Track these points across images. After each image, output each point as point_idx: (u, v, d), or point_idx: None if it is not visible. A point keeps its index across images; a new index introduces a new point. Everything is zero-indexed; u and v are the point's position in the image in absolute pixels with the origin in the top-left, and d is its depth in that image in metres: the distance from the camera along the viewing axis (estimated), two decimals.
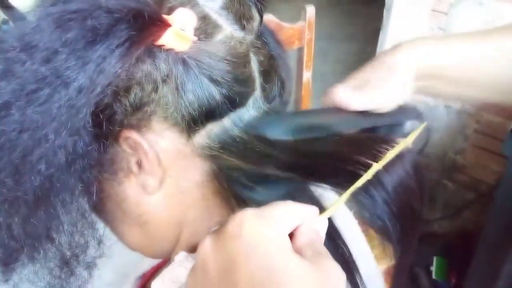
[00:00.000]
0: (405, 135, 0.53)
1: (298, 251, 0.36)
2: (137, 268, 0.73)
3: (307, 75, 1.46)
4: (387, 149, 0.47)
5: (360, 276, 0.52)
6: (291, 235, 0.38)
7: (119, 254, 0.51)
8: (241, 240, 0.34)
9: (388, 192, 0.45)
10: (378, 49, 2.03)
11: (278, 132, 0.48)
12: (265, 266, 0.33)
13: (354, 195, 0.44)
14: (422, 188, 0.49)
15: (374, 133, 0.54)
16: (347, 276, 0.50)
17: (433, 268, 1.87)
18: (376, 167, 0.45)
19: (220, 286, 0.33)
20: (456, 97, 0.66)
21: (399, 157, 0.47)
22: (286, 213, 0.38)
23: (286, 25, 1.35)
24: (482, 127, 1.79)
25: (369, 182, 0.45)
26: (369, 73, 0.56)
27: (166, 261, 0.63)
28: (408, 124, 0.56)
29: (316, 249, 0.37)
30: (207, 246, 0.36)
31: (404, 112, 0.56)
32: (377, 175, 0.45)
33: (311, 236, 0.38)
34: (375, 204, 0.45)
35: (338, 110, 0.52)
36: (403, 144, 0.48)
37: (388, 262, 1.56)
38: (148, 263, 0.71)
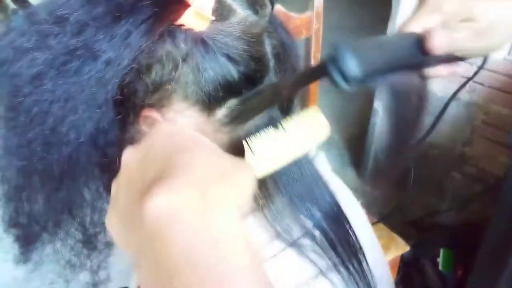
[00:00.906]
0: None
1: None
2: None
3: None
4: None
5: (367, 262, 0.53)
6: None
7: None
8: (156, 136, 0.36)
9: None
10: None
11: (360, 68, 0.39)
12: (176, 141, 0.35)
13: None
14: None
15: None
16: (354, 262, 0.51)
17: (439, 260, 1.88)
18: None
19: (137, 172, 0.34)
20: None
21: None
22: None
23: (294, 15, 1.35)
24: (490, 119, 1.79)
25: None
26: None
27: None
28: None
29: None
30: (127, 151, 0.37)
31: None
32: None
33: None
34: None
35: (420, 49, 0.48)
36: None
37: (394, 253, 1.57)
38: None
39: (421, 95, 0.49)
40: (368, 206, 1.97)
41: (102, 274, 0.51)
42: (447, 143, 1.96)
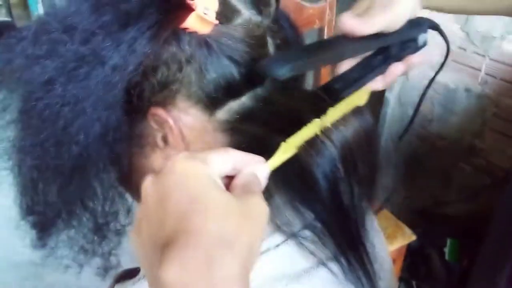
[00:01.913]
0: (419, 49, 0.55)
1: (230, 190, 0.39)
2: None
3: None
4: (336, 105, 0.49)
5: (367, 252, 0.55)
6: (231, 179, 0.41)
7: None
8: (172, 175, 0.37)
9: (336, 148, 0.47)
10: None
11: (282, 68, 0.46)
12: (189, 195, 0.35)
13: (302, 148, 0.46)
14: (372, 151, 0.51)
15: (387, 53, 0.55)
16: (354, 252, 0.53)
17: (446, 250, 1.89)
18: (322, 122, 0.47)
19: (156, 215, 0.36)
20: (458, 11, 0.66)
21: (353, 115, 0.49)
22: (220, 157, 0.40)
23: (307, 4, 1.35)
24: (501, 112, 1.78)
25: (316, 136, 0.47)
26: None
27: None
28: (422, 37, 0.55)
29: (248, 188, 0.40)
30: (147, 181, 0.38)
31: (415, 25, 0.55)
32: (326, 131, 0.47)
33: (247, 178, 0.41)
34: (321, 159, 0.47)
35: (346, 38, 0.51)
36: (352, 102, 0.50)
37: (401, 242, 1.59)
38: None
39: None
40: (377, 195, 1.97)
41: (112, 260, 0.54)
42: (456, 134, 1.96)
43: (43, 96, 0.45)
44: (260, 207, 0.39)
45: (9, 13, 1.41)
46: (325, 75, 1.50)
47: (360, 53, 0.54)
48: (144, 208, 0.38)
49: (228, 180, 0.40)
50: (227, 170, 0.40)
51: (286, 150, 0.45)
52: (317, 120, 0.47)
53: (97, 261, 0.54)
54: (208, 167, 0.38)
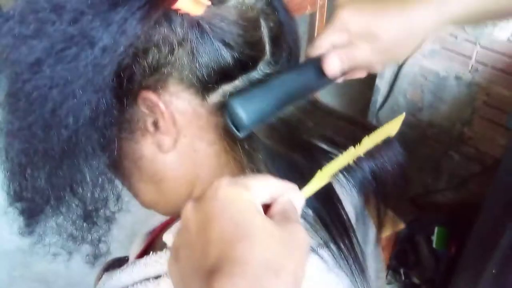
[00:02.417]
0: None
1: (269, 217, 0.39)
2: (146, 225, 0.76)
3: None
4: (368, 135, 0.49)
5: (357, 239, 0.55)
6: (269, 206, 0.41)
7: (127, 212, 0.54)
8: (215, 201, 0.37)
9: (366, 178, 0.48)
10: None
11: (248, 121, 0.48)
12: (234, 222, 0.35)
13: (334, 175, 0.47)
14: (402, 181, 0.52)
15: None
16: (344, 239, 0.53)
17: (434, 238, 1.91)
18: (355, 151, 0.47)
19: (198, 243, 0.36)
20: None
21: (383, 144, 0.49)
22: (260, 184, 0.40)
23: None
24: (491, 100, 1.79)
25: (349, 165, 0.47)
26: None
27: (174, 218, 0.66)
28: None
29: (287, 216, 0.39)
30: (188, 208, 0.38)
31: None
32: (358, 160, 0.47)
33: (285, 206, 0.40)
34: (354, 185, 0.48)
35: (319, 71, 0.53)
36: (385, 132, 0.50)
37: (389, 230, 1.60)
38: (158, 220, 0.74)
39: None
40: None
41: (102, 247, 0.53)
42: (446, 122, 1.97)
43: (31, 78, 0.43)
44: (301, 235, 0.38)
45: None
46: None
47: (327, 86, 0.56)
48: (185, 235, 0.37)
49: (265, 208, 0.40)
50: (266, 197, 0.40)
51: (321, 178, 0.45)
52: (352, 149, 0.47)
53: (86, 248, 0.53)
54: (250, 194, 0.38)
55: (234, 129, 0.48)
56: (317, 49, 0.54)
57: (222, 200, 0.37)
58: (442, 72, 1.89)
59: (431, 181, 2.13)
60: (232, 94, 0.49)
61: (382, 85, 2.15)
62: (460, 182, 1.97)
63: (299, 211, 0.43)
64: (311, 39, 1.45)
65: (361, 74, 0.59)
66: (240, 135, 0.48)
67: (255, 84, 0.49)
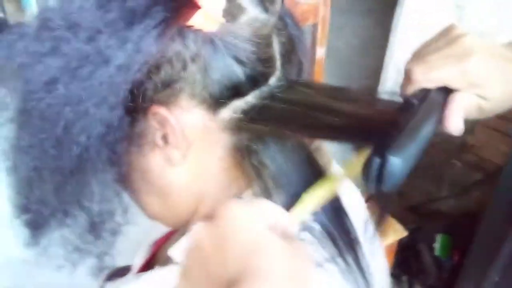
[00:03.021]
0: None
1: None
2: (149, 237, 0.76)
3: (320, 51, 1.47)
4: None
5: (364, 254, 0.55)
6: None
7: (133, 223, 0.54)
8: (230, 219, 0.38)
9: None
10: (394, 22, 2.02)
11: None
12: (251, 237, 0.37)
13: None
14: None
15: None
16: (351, 254, 0.53)
17: (436, 245, 1.90)
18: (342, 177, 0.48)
19: (214, 260, 0.37)
20: None
21: None
22: (265, 207, 0.42)
23: (301, 1, 1.35)
24: None
25: None
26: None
27: (176, 230, 0.66)
28: None
29: (288, 235, 0.41)
30: (200, 228, 0.39)
31: None
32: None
33: (283, 226, 0.42)
34: None
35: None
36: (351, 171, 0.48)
37: (392, 238, 1.59)
38: (161, 231, 0.75)
39: None
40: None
41: (107, 260, 0.54)
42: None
43: (45, 96, 0.44)
44: (305, 251, 0.40)
45: (2, 8, 1.38)
46: (319, 72, 1.50)
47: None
48: (198, 254, 0.38)
49: None
50: (269, 219, 0.41)
51: (310, 200, 0.46)
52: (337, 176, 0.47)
53: (91, 261, 0.54)
54: (258, 214, 0.40)
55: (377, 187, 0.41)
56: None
57: (238, 218, 0.38)
58: None
59: (433, 189, 2.12)
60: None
61: (391, 64, 2.14)
62: (463, 190, 1.96)
63: (292, 232, 0.44)
64: (313, 49, 1.46)
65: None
66: (390, 188, 0.41)
67: (407, 132, 0.43)
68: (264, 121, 0.49)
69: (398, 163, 0.40)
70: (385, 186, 0.41)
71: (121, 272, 0.69)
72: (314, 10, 1.38)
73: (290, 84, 0.51)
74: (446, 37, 0.50)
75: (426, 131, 0.44)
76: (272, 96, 0.50)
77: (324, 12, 1.39)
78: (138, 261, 0.72)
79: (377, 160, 0.40)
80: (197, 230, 0.39)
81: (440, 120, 0.48)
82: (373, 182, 0.41)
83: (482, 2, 1.77)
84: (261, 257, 0.35)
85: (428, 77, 0.48)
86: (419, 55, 0.50)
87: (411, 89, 0.49)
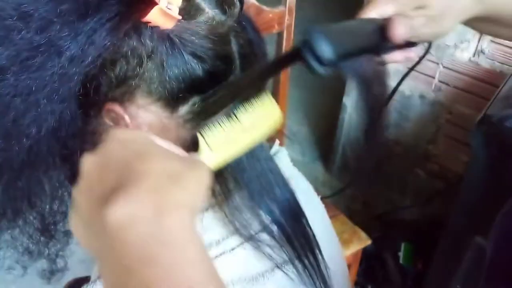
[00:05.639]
0: None
1: None
2: None
3: None
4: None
5: (322, 256, 0.55)
6: None
7: None
8: (112, 141, 0.37)
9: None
10: None
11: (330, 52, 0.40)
12: (133, 150, 0.36)
13: None
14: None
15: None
16: (309, 256, 0.53)
17: (400, 254, 1.93)
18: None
19: (99, 177, 0.35)
20: None
21: None
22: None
23: (266, 9, 1.35)
24: (454, 118, 1.83)
25: None
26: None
27: None
28: None
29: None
30: (85, 156, 0.37)
31: None
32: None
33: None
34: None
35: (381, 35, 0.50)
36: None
37: (356, 246, 1.60)
38: None
39: (382, 81, 0.50)
40: (335, 200, 2.01)
41: (59, 262, 0.52)
42: (411, 140, 2.01)
43: None
44: (202, 162, 0.39)
45: None
46: (284, 81, 1.51)
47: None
48: (85, 178, 0.36)
49: None
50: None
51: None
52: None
53: (42, 263, 0.52)
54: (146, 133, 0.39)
55: (315, 65, 0.40)
56: (371, 15, 0.53)
57: (120, 139, 0.37)
58: (407, 91, 1.93)
59: (397, 198, 2.16)
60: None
61: (348, 103, 2.18)
62: (426, 199, 2.00)
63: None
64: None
65: (400, 57, 0.57)
66: (324, 71, 0.40)
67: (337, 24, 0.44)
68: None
69: (320, 36, 0.39)
70: (324, 62, 0.39)
71: (79, 283, 0.67)
72: (279, 18, 1.39)
73: None
74: None
75: (357, 23, 0.49)
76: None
77: (290, 20, 1.40)
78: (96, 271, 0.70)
79: (305, 43, 0.40)
80: (83, 162, 0.37)
81: (383, 28, 0.50)
82: (310, 61, 0.39)
83: None
84: (142, 162, 0.34)
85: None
86: None
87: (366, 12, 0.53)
